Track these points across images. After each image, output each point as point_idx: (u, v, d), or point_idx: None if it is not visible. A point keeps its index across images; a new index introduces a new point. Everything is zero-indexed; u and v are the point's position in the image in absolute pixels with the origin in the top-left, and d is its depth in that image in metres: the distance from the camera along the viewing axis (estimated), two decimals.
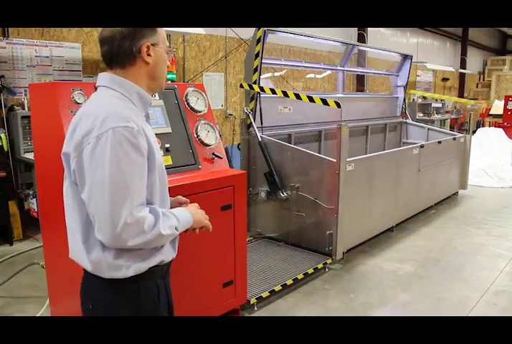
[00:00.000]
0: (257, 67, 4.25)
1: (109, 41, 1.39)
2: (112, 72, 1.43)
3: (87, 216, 1.31)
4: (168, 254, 1.47)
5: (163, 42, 1.46)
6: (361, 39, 9.63)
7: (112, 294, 1.37)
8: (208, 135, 2.90)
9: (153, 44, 1.41)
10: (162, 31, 1.45)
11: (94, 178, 1.26)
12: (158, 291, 1.44)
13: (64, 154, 1.37)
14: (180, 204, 1.58)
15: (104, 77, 1.43)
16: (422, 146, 5.28)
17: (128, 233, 1.25)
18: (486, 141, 8.75)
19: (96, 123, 1.27)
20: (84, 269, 1.40)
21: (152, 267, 1.40)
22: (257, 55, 4.21)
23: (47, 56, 4.99)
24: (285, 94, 4.19)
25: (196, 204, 1.58)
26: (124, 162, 1.25)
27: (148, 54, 1.41)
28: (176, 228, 1.38)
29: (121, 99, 1.39)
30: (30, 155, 4.41)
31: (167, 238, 1.37)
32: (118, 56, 1.40)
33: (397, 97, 6.92)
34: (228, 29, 6.77)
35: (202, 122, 2.90)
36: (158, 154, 1.40)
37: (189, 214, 1.47)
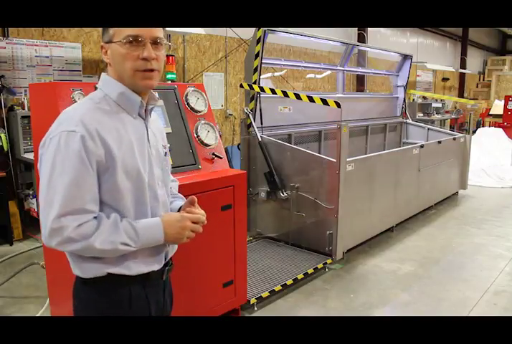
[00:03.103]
0: (257, 67, 4.26)
1: None
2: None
3: None
4: (138, 268, 1.38)
5: (118, 34, 1.32)
6: (361, 39, 9.63)
7: (88, 293, 1.39)
8: (208, 135, 2.90)
9: (107, 42, 1.36)
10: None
11: (40, 180, 1.29)
12: (129, 300, 1.38)
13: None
14: (191, 204, 1.47)
15: (100, 78, 1.44)
16: (422, 146, 5.28)
17: (55, 239, 1.24)
18: (486, 141, 8.75)
19: (53, 127, 1.30)
20: None
21: (126, 275, 1.36)
22: (257, 55, 4.21)
23: (47, 56, 4.99)
24: (285, 94, 4.19)
25: (179, 218, 1.41)
26: (58, 167, 1.25)
27: (106, 54, 1.39)
28: (126, 244, 1.29)
29: (100, 99, 1.37)
30: (30, 155, 4.41)
31: (112, 252, 1.29)
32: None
33: (397, 97, 6.92)
34: (228, 29, 6.77)
35: (202, 122, 2.90)
36: (128, 158, 1.33)
37: (161, 231, 1.35)
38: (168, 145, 2.65)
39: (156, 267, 1.44)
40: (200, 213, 1.46)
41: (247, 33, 5.66)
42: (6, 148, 4.52)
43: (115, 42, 1.33)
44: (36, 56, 4.90)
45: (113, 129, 1.33)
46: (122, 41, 1.32)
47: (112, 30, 1.34)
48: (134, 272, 1.38)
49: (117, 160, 1.31)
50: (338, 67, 6.01)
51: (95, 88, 1.43)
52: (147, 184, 1.39)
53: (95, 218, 1.28)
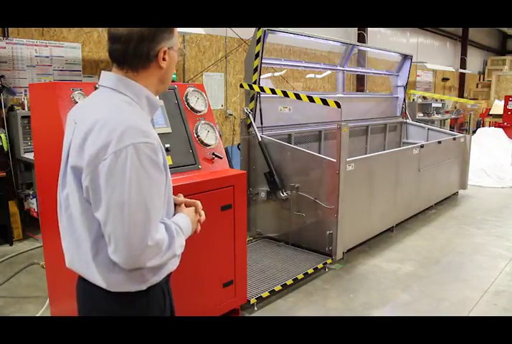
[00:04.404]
0: (257, 67, 4.26)
1: (124, 41, 1.29)
2: (121, 73, 1.33)
3: (97, 232, 1.26)
4: (176, 264, 1.46)
5: (177, 44, 1.40)
6: (361, 39, 9.63)
7: (120, 306, 1.32)
8: (208, 135, 2.90)
9: (169, 48, 1.34)
10: (177, 33, 1.39)
11: (112, 198, 1.18)
12: (164, 297, 1.42)
13: (74, 167, 1.27)
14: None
15: (110, 78, 1.33)
16: (422, 146, 5.28)
17: (147, 256, 1.21)
18: (486, 141, 8.76)
19: (113, 136, 1.17)
20: (84, 279, 1.35)
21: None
22: (257, 55, 4.21)
23: (47, 56, 4.99)
24: (285, 94, 4.19)
25: (191, 209, 1.49)
26: (145, 182, 1.19)
27: (164, 59, 1.33)
28: (184, 245, 1.37)
29: (132, 105, 1.30)
30: (30, 155, 4.41)
31: (178, 256, 1.38)
32: (133, 59, 1.31)
33: (397, 97, 6.92)
34: (228, 29, 6.77)
35: (202, 122, 2.90)
36: (167, 165, 1.36)
37: (190, 227, 1.43)
38: (168, 146, 2.66)
39: (179, 261, 1.48)
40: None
41: (247, 33, 5.66)
42: (6, 148, 4.52)
43: (174, 50, 1.38)
44: (36, 56, 4.90)
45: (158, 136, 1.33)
46: (178, 50, 1.40)
47: (175, 37, 1.36)
48: (174, 269, 1.44)
49: (167, 169, 1.32)
50: (338, 67, 6.01)
51: (95, 88, 1.41)
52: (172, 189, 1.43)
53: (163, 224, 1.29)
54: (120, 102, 1.29)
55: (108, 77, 1.34)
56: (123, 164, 1.16)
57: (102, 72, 1.37)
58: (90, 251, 1.29)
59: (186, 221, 1.41)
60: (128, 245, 1.18)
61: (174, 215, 1.43)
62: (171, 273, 1.48)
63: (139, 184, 1.18)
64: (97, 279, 1.29)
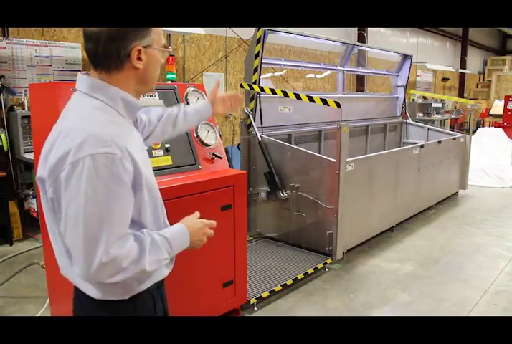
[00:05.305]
0: (257, 67, 4.26)
1: (94, 40, 1.21)
2: (95, 74, 1.26)
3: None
4: (164, 272, 1.40)
5: (158, 42, 1.29)
6: (361, 39, 9.63)
7: (108, 313, 1.30)
8: (208, 135, 2.90)
9: (145, 46, 1.24)
10: (158, 29, 1.29)
11: (68, 210, 1.13)
12: (154, 304, 1.38)
13: (39, 179, 1.23)
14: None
15: (83, 81, 1.26)
16: (422, 146, 5.28)
17: (104, 273, 1.14)
18: (486, 141, 8.76)
19: (72, 146, 1.11)
20: (75, 286, 1.33)
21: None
22: (257, 55, 4.21)
23: (47, 56, 4.99)
24: (285, 94, 4.19)
25: (200, 220, 1.44)
26: (101, 194, 1.12)
27: (139, 58, 1.24)
28: (166, 259, 1.29)
29: (103, 110, 1.22)
30: (30, 155, 4.42)
31: (153, 271, 1.28)
32: (104, 59, 1.23)
33: (397, 97, 6.92)
34: (228, 29, 6.77)
35: (202, 122, 2.90)
36: (146, 171, 1.27)
37: (188, 239, 1.36)
38: (168, 146, 2.65)
39: (171, 267, 1.45)
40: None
41: (247, 33, 5.66)
42: (6, 148, 4.52)
43: (155, 48, 1.28)
44: (36, 56, 4.90)
45: (133, 142, 1.25)
46: (162, 49, 1.31)
47: (154, 35, 1.27)
48: (164, 276, 1.41)
49: (143, 177, 1.24)
50: (338, 67, 6.01)
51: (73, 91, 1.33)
52: (158, 192, 1.38)
53: (132, 237, 1.22)
54: (91, 108, 1.22)
55: (82, 80, 1.27)
56: (79, 175, 1.11)
57: (78, 74, 1.30)
58: (69, 261, 1.26)
59: (180, 233, 1.34)
60: (83, 260, 1.14)
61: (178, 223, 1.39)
62: (163, 279, 1.44)
63: (95, 197, 1.11)
64: (82, 287, 1.28)
